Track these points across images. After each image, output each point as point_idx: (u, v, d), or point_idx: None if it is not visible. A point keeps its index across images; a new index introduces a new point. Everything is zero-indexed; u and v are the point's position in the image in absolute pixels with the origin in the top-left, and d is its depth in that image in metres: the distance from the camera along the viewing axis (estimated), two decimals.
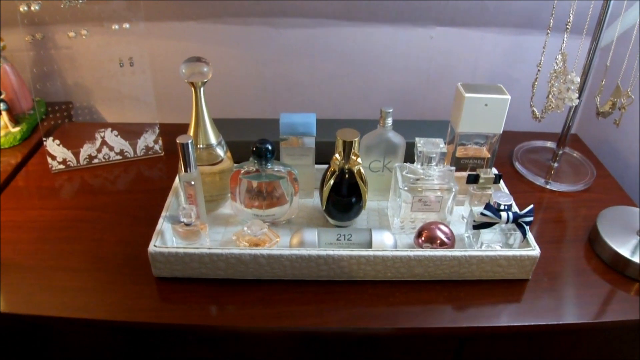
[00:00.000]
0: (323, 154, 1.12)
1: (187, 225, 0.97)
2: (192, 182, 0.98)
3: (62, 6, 1.16)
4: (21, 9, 1.13)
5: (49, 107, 1.26)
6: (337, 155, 1.01)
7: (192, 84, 0.99)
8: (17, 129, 1.35)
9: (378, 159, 1.09)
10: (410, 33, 1.44)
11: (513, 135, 1.44)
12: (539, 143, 1.41)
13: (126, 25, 1.19)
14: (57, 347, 1.02)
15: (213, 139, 1.05)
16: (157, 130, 1.27)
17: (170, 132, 1.28)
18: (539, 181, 1.26)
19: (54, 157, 1.23)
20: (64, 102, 1.45)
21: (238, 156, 1.11)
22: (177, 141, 0.96)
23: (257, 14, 1.41)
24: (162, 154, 1.29)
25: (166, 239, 1.00)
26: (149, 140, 1.27)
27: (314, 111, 1.54)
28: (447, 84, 1.49)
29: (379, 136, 1.08)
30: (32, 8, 1.14)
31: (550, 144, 1.40)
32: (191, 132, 1.04)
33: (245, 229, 1.00)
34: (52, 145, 1.22)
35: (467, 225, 1.06)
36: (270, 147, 1.00)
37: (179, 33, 1.43)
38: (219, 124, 1.23)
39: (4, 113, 1.34)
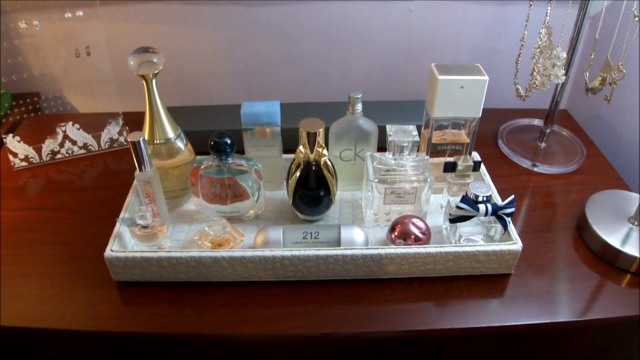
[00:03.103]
0: (293, 142, 1.02)
1: (144, 227, 0.89)
2: (149, 181, 0.89)
3: None
4: None
5: (15, 99, 1.17)
6: (301, 147, 0.91)
7: (143, 76, 0.89)
8: None
9: (349, 148, 1.00)
10: (388, 7, 1.32)
11: (498, 113, 1.33)
12: (526, 121, 1.31)
13: (80, 13, 1.09)
14: (16, 358, 0.94)
15: (171, 133, 0.95)
16: (121, 122, 1.18)
17: (137, 121, 1.18)
18: (526, 163, 1.16)
19: (15, 154, 1.15)
20: (31, 92, 1.36)
21: (202, 146, 1.01)
22: (128, 139, 0.86)
23: None
24: (128, 146, 1.20)
25: (125, 241, 0.92)
26: (112, 132, 1.18)
27: (290, 93, 1.45)
28: (429, 60, 1.38)
29: (349, 123, 0.98)
30: None
31: (537, 122, 1.30)
32: (146, 126, 0.94)
33: (207, 228, 0.92)
34: (13, 142, 1.14)
35: (445, 216, 0.97)
36: (229, 141, 0.91)
37: (143, 15, 1.32)
38: (183, 112, 1.14)
39: None
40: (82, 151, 1.18)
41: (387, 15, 1.33)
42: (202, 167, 0.93)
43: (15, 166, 1.16)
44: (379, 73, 1.41)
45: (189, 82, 1.43)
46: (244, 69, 1.40)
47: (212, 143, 0.91)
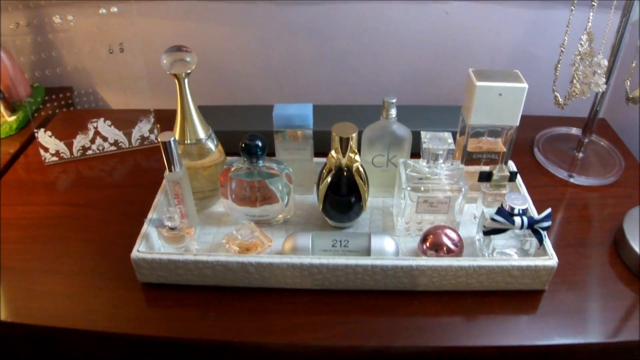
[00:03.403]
0: (325, 144, 0.99)
1: (172, 229, 0.87)
2: (178, 182, 0.87)
3: None
4: None
5: (48, 93, 1.16)
6: (333, 152, 0.88)
7: (175, 75, 0.87)
8: (13, 117, 1.26)
9: (382, 153, 0.97)
10: (423, 8, 1.29)
11: (534, 120, 1.29)
12: (563, 130, 1.26)
13: (114, 9, 1.07)
14: (36, 356, 0.93)
15: (202, 133, 0.93)
16: (152, 119, 1.16)
17: (168, 118, 1.17)
18: (561, 174, 1.12)
19: (46, 149, 1.14)
20: (64, 87, 1.35)
21: (233, 147, 0.98)
22: (159, 139, 0.84)
23: None
24: (158, 144, 1.18)
25: (152, 242, 0.90)
26: (143, 129, 1.16)
27: (321, 94, 1.42)
28: (464, 64, 1.33)
29: (383, 129, 0.95)
30: None
31: (575, 131, 1.25)
32: (177, 127, 0.92)
33: (235, 232, 0.89)
34: (44, 137, 1.13)
35: (478, 227, 0.93)
36: (260, 144, 0.88)
37: (176, 12, 1.30)
38: (215, 111, 1.12)
39: None
40: (113, 148, 1.17)
41: (422, 16, 1.29)
42: (232, 169, 0.91)
43: (46, 161, 1.15)
44: (412, 75, 1.38)
45: (219, 81, 1.41)
46: (276, 68, 1.37)
47: (243, 145, 0.89)
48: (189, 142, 0.93)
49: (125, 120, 1.17)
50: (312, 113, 0.95)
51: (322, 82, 1.39)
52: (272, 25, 1.31)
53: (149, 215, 0.92)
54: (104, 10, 1.07)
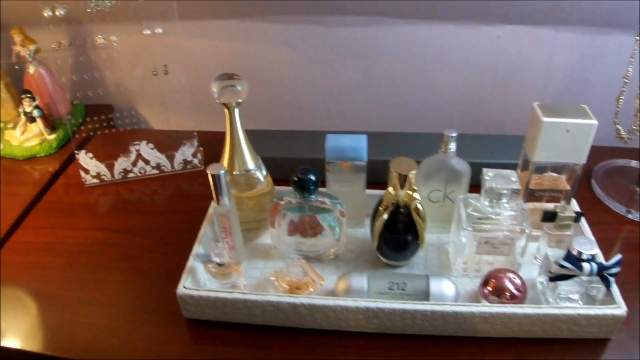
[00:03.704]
0: (376, 173, 0.94)
1: (220, 265, 0.82)
2: (227, 215, 0.83)
3: (88, 10, 1.01)
4: (45, 15, 0.98)
5: (88, 111, 1.12)
6: (390, 189, 0.83)
7: (225, 104, 0.82)
8: (52, 136, 1.23)
9: (438, 188, 0.91)
10: (474, 32, 1.23)
11: (591, 150, 1.21)
12: (621, 162, 1.19)
13: (159, 30, 1.03)
14: None
15: (251, 164, 0.89)
16: (196, 143, 1.12)
17: (211, 141, 1.13)
18: (620, 209, 1.05)
19: (87, 171, 1.10)
20: (104, 105, 1.32)
21: (281, 174, 0.94)
22: (208, 172, 0.80)
23: (305, 11, 1.23)
24: (201, 168, 1.14)
25: (198, 277, 0.86)
26: (187, 153, 1.12)
27: (367, 119, 1.37)
28: (514, 90, 1.28)
29: (441, 163, 0.89)
30: (57, 13, 0.99)
31: (634, 164, 1.18)
32: (226, 157, 0.88)
33: (285, 269, 0.84)
34: (85, 159, 1.09)
35: (540, 268, 0.87)
36: (313, 179, 0.83)
37: (219, 33, 1.26)
38: (259, 136, 1.07)
39: (38, 120, 1.21)
40: (155, 171, 1.12)
41: (473, 40, 1.23)
42: (282, 203, 0.86)
43: (87, 183, 1.11)
44: (461, 101, 1.32)
45: (264, 103, 1.36)
46: (323, 91, 1.33)
47: (296, 179, 0.84)
48: (237, 172, 0.88)
49: (167, 142, 1.13)
50: (366, 145, 0.90)
51: (369, 106, 1.34)
52: (318, 47, 1.27)
53: (195, 248, 0.87)
54: (149, 31, 1.03)
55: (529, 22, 1.21)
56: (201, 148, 1.14)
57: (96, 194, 1.11)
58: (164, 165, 1.12)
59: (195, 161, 1.14)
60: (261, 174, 0.91)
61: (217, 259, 0.82)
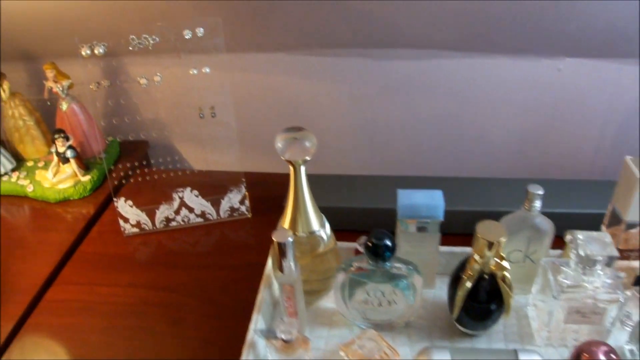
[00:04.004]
0: None
1: (286, 342, 0.73)
2: (292, 284, 0.74)
3: (130, 48, 0.92)
4: (83, 53, 0.89)
5: (122, 147, 1.03)
6: (476, 256, 0.74)
7: (290, 161, 0.73)
8: (87, 177, 1.14)
9: (519, 249, 0.82)
10: (533, 65, 1.13)
11: None
12: None
13: (206, 70, 0.94)
14: None
15: (316, 225, 0.80)
16: (244, 190, 1.02)
17: (258, 183, 1.04)
18: None
19: (126, 220, 1.01)
20: (139, 141, 1.23)
21: (332, 224, 0.85)
22: (274, 238, 0.71)
23: (354, 44, 1.14)
24: (248, 216, 1.05)
25: (259, 350, 0.76)
26: (233, 200, 1.03)
27: (418, 157, 1.27)
28: (575, 126, 1.19)
29: (523, 221, 0.80)
30: (96, 51, 0.90)
31: None
32: (288, 216, 0.79)
33: (356, 343, 0.75)
34: (124, 207, 1.00)
35: (631, 336, 0.78)
36: (390, 245, 0.74)
37: (264, 65, 1.17)
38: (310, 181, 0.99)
39: (72, 161, 1.11)
40: (199, 220, 1.03)
41: (531, 73, 1.14)
42: (352, 269, 0.77)
43: (126, 232, 1.02)
44: (518, 137, 1.23)
45: None
46: (369, 127, 1.24)
47: (370, 245, 0.74)
48: (300, 234, 0.79)
49: (212, 187, 1.03)
50: (443, 203, 0.81)
51: (417, 143, 1.25)
52: (364, 81, 1.18)
53: (254, 319, 0.78)
54: (195, 71, 0.94)
55: (592, 54, 1.12)
56: (246, 192, 1.04)
57: (136, 245, 1.02)
58: (209, 214, 1.03)
59: (243, 208, 1.04)
60: (325, 233, 0.82)
61: (283, 336, 0.73)
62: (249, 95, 1.20)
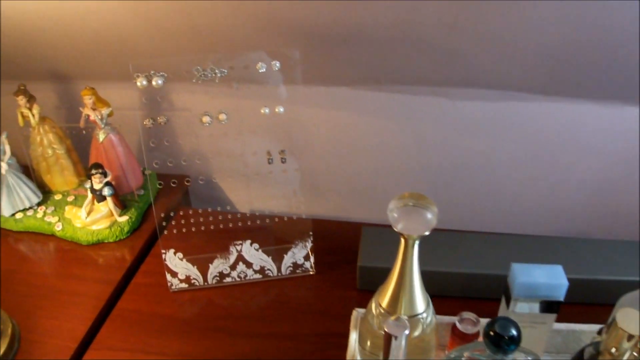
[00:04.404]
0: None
1: None
2: None
3: (193, 80, 0.78)
4: (139, 84, 0.75)
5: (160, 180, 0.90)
6: (613, 350, 0.60)
7: (404, 235, 0.60)
8: (124, 218, 0.99)
9: None
10: (613, 111, 1.01)
11: None
12: None
13: (280, 109, 0.80)
14: None
15: (422, 306, 0.66)
16: (310, 244, 0.88)
17: (322, 232, 0.90)
18: None
19: (174, 274, 0.87)
20: (179, 175, 1.08)
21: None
22: (385, 330, 0.57)
23: (428, 81, 1.01)
24: (312, 272, 0.91)
25: None
26: (298, 256, 0.89)
27: (489, 206, 1.14)
28: None
29: None
30: (154, 83, 0.76)
31: None
32: (388, 295, 0.66)
33: None
34: (173, 259, 0.85)
35: None
36: (515, 335, 0.61)
37: (327, 100, 1.04)
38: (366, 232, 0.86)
39: (109, 199, 0.97)
40: (257, 276, 0.89)
41: (610, 120, 1.01)
42: (465, 355, 0.63)
43: (173, 287, 0.88)
44: (595, 188, 1.10)
45: (364, 179, 1.13)
46: (433, 170, 1.11)
47: (492, 335, 0.61)
48: (402, 316, 0.65)
49: (273, 237, 0.90)
50: (566, 281, 0.68)
51: (490, 189, 1.12)
52: (437, 122, 1.05)
53: None
54: (267, 110, 0.80)
55: None
56: (311, 242, 0.90)
57: (184, 303, 0.88)
58: (269, 270, 0.89)
59: (307, 265, 0.90)
60: (430, 314, 0.68)
61: None
62: (308, 130, 1.07)
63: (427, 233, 0.61)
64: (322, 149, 1.10)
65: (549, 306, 0.71)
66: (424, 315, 0.68)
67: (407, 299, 0.66)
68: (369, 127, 1.07)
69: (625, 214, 1.11)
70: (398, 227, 0.61)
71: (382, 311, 0.67)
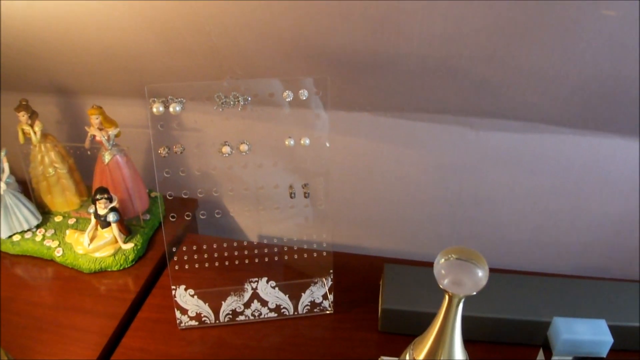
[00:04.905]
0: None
1: None
2: None
3: (214, 108, 0.72)
4: (154, 110, 0.69)
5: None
6: None
7: (449, 292, 0.54)
8: (129, 245, 0.92)
9: None
10: None
11: None
12: None
13: (306, 141, 0.74)
14: None
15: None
16: (330, 282, 0.82)
17: (341, 269, 0.85)
18: None
19: (184, 311, 0.81)
20: (186, 199, 1.02)
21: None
22: None
23: (452, 110, 0.95)
24: (330, 311, 0.85)
25: None
26: (316, 294, 0.83)
27: (502, 243, 1.09)
28: None
29: None
30: (172, 109, 0.70)
31: None
32: (425, 349, 0.60)
33: None
34: (184, 296, 0.79)
35: None
36: None
37: (346, 125, 0.98)
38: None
39: (113, 225, 0.90)
40: (272, 314, 0.83)
41: (630, 155, 0.97)
42: None
43: (182, 325, 0.81)
44: (615, 225, 1.05)
45: (381, 208, 1.08)
46: (454, 202, 1.05)
47: None
48: None
49: (289, 273, 0.84)
50: (610, 338, 0.62)
51: (510, 223, 1.07)
52: (459, 152, 1.00)
53: None
54: (292, 142, 0.74)
55: None
56: (329, 278, 0.84)
57: (194, 342, 0.81)
58: (284, 308, 0.83)
59: (325, 303, 0.84)
60: None
61: None
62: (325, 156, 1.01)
63: (474, 293, 0.55)
64: (338, 175, 1.04)
65: None
66: None
67: (446, 357, 0.60)
68: (388, 154, 1.02)
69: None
70: (444, 283, 0.55)
71: None
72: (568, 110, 0.91)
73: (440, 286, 0.56)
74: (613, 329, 0.65)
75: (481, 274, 0.55)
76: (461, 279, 0.55)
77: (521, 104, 0.91)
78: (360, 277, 0.91)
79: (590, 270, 1.08)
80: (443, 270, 0.55)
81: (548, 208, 1.05)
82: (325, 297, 0.84)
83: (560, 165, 1.00)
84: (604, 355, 0.65)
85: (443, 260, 0.55)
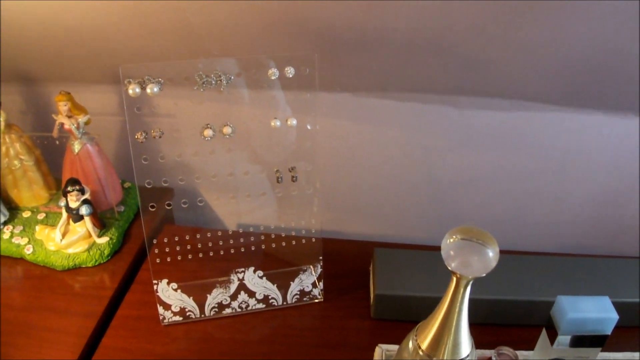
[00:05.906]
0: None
1: None
2: None
3: (195, 88, 0.66)
4: (130, 91, 0.62)
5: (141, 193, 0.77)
6: None
7: (455, 273, 0.50)
8: (104, 239, 0.86)
9: None
10: (628, 124, 0.94)
11: None
12: None
13: (293, 122, 0.69)
14: None
15: (466, 350, 0.56)
16: (320, 270, 0.78)
17: (330, 255, 0.80)
18: None
19: (167, 306, 0.75)
20: (161, 188, 0.95)
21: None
22: None
23: (436, 89, 0.91)
24: (320, 299, 0.80)
25: None
26: (305, 283, 0.78)
27: (497, 219, 1.06)
28: None
29: None
30: (149, 90, 0.64)
31: None
32: (429, 337, 0.56)
33: None
34: (167, 291, 0.73)
35: None
36: None
37: (328, 107, 0.93)
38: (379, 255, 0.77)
39: (87, 219, 0.83)
40: (260, 305, 0.78)
41: (626, 132, 0.95)
42: None
43: (165, 321, 0.75)
44: (599, 201, 1.03)
45: (365, 190, 1.03)
46: (438, 181, 1.02)
47: None
48: (443, 358, 0.56)
49: (275, 261, 0.78)
50: (615, 314, 0.60)
51: (496, 202, 1.04)
52: (444, 131, 0.96)
53: None
54: (278, 123, 0.69)
55: None
56: (319, 268, 0.80)
57: (179, 338, 0.76)
58: (273, 298, 0.78)
59: (315, 292, 0.80)
60: (472, 357, 0.59)
61: None
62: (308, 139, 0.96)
63: (484, 275, 0.51)
64: (320, 159, 0.99)
65: (594, 339, 0.63)
66: (468, 359, 0.58)
67: (452, 343, 0.56)
68: (371, 136, 0.97)
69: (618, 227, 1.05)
70: (452, 265, 0.51)
71: (422, 353, 0.57)
72: (554, 87, 0.88)
73: (449, 268, 0.52)
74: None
75: (492, 255, 0.51)
76: (470, 260, 0.51)
77: (507, 81, 0.88)
78: (348, 263, 0.87)
79: (575, 248, 1.06)
80: (452, 252, 0.51)
81: (532, 186, 1.02)
82: (314, 285, 0.79)
83: (544, 143, 0.98)
84: (609, 332, 0.62)
85: (451, 240, 0.51)
